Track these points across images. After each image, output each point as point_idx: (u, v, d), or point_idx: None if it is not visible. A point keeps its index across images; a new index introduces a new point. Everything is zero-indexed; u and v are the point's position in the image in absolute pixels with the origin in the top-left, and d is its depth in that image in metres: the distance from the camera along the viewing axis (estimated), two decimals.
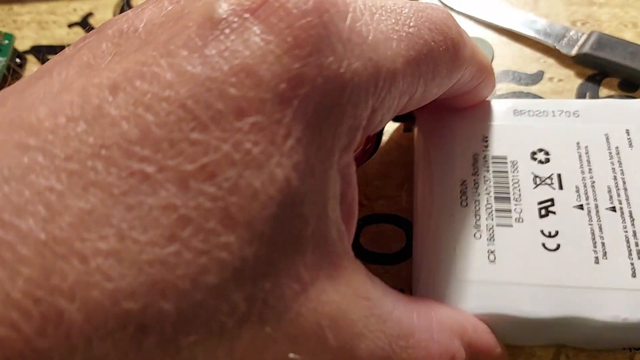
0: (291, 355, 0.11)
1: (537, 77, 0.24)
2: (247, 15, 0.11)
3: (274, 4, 0.11)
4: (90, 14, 0.30)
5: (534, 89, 0.23)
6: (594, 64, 0.23)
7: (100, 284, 0.09)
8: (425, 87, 0.14)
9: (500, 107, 0.19)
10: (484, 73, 0.17)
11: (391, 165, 0.21)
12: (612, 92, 0.23)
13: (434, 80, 0.14)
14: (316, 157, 0.11)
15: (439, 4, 0.27)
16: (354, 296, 0.12)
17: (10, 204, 0.09)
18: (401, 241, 0.19)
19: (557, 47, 0.24)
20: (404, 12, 0.13)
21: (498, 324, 0.15)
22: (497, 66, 0.24)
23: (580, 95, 0.23)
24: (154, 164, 0.10)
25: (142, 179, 0.10)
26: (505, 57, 0.24)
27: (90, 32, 0.13)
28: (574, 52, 0.24)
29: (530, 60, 0.24)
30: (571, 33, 0.24)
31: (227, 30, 0.11)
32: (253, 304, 0.10)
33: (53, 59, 0.13)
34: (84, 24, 0.29)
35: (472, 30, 0.26)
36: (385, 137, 0.22)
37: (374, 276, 0.13)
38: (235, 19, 0.11)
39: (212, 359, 0.10)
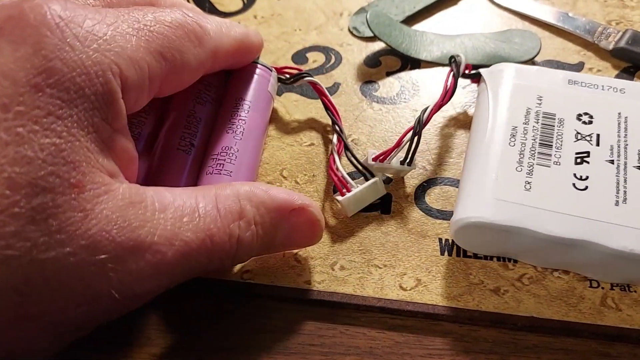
0: (100, 257, 0.15)
1: (579, 67, 0.26)
2: None
3: (17, 20, 0.15)
4: None
5: None
6: (629, 57, 0.26)
7: None
8: (176, 71, 0.19)
9: (556, 75, 0.23)
10: (240, 50, 0.22)
11: (449, 137, 0.24)
12: None
13: (183, 65, 0.19)
14: (77, 125, 0.15)
15: (488, 0, 0.30)
16: (129, 203, 0.16)
17: None
18: None
19: (595, 42, 0.27)
20: (147, 17, 0.18)
21: (524, 238, 0.19)
22: (543, 56, 0.27)
23: None
24: None
25: None
26: (550, 48, 0.27)
27: None
28: (611, 46, 0.27)
29: (572, 52, 0.27)
30: (608, 30, 0.27)
31: None
32: (50, 235, 0.14)
33: None
34: None
35: (520, 25, 0.28)
36: (446, 114, 0.25)
37: (167, 189, 0.17)
38: None
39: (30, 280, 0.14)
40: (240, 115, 0.23)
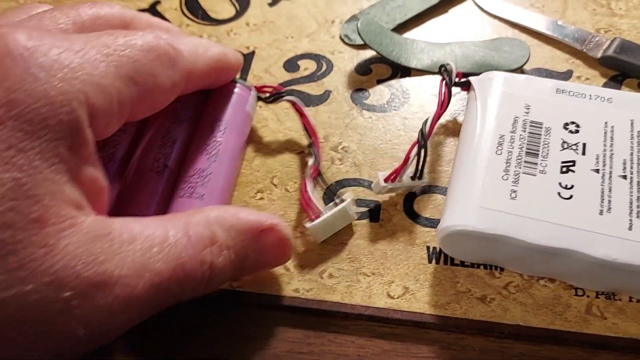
0: (65, 294, 0.14)
1: (567, 75, 0.27)
2: None
3: None
4: (157, 2, 0.32)
5: None
6: (616, 65, 0.27)
7: None
8: (148, 94, 0.19)
9: (544, 84, 0.23)
10: (217, 70, 0.22)
11: (438, 145, 0.24)
12: (632, 92, 0.26)
13: (155, 88, 0.19)
14: (40, 157, 0.15)
15: (479, 9, 0.30)
16: (95, 237, 0.15)
17: None
18: None
19: (584, 50, 0.27)
20: (117, 41, 0.18)
21: (509, 247, 0.19)
22: (532, 64, 0.27)
23: None
24: None
25: None
26: (539, 56, 0.27)
27: None
28: (599, 54, 0.27)
29: (561, 61, 0.27)
30: (597, 38, 0.27)
31: None
32: (10, 273, 0.14)
33: None
34: (153, 11, 0.32)
35: (510, 33, 0.29)
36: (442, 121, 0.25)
37: (136, 219, 0.17)
38: None
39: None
40: (215, 137, 0.22)
